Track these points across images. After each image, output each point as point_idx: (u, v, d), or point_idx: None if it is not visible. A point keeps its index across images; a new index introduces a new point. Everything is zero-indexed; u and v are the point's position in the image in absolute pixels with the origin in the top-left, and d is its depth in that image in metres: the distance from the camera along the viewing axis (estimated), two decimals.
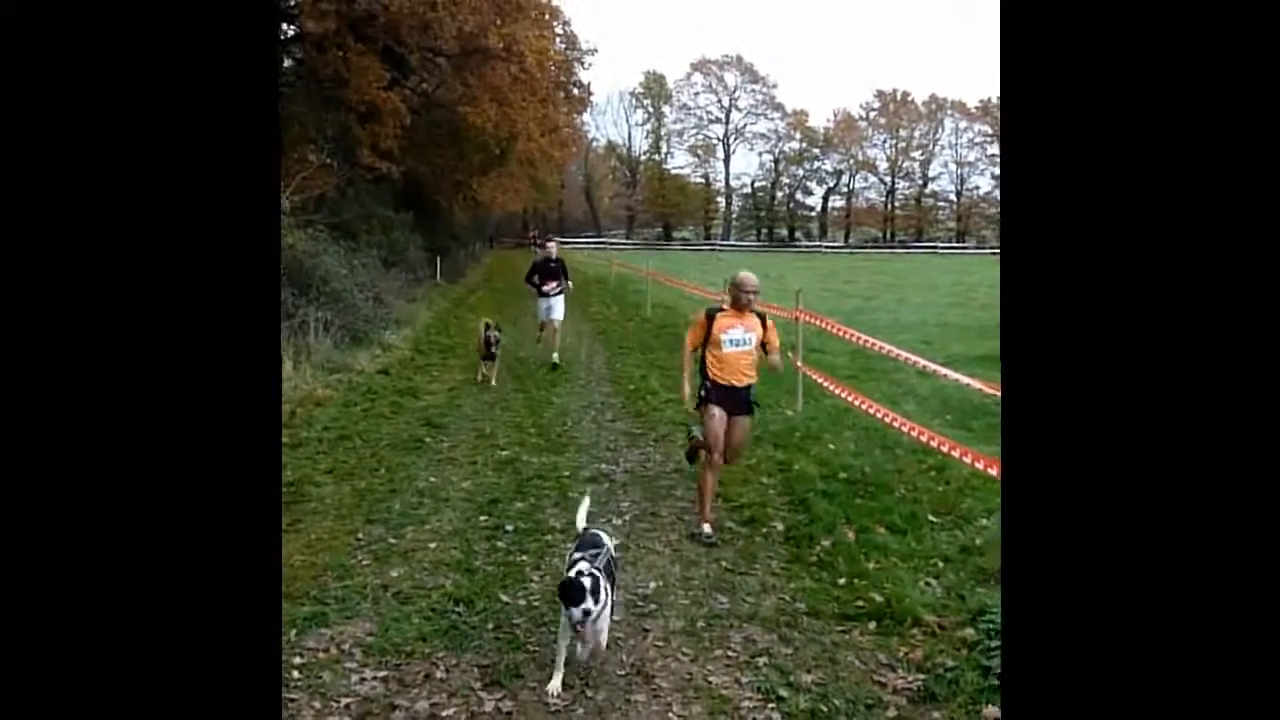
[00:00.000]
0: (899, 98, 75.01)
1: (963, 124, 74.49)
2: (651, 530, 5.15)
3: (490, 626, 3.81)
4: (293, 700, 3.17)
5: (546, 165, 30.51)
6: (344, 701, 3.19)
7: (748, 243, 71.65)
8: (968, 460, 5.00)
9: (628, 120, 75.87)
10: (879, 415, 6.57)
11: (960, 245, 69.52)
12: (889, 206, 76.27)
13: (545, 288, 11.18)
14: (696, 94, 75.06)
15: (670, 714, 3.18)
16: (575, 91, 28.19)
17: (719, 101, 75.14)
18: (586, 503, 4.20)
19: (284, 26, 17.68)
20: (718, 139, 75.76)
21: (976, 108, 72.56)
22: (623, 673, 3.47)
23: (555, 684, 3.28)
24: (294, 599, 3.98)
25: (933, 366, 6.82)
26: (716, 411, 5.14)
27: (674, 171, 75.77)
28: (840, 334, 8.36)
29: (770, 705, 3.22)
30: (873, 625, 3.85)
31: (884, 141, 75.41)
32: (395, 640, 3.64)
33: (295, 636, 3.64)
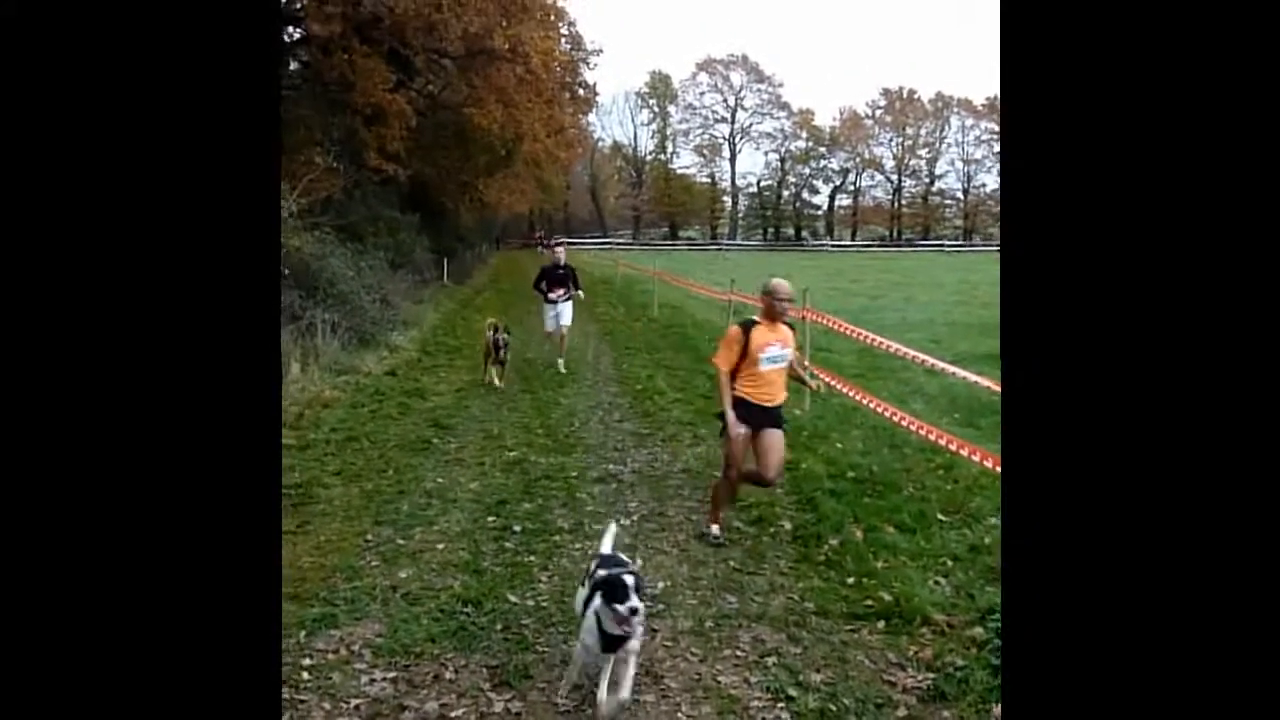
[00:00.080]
0: (905, 96, 74.76)
1: (969, 121, 74.23)
2: (659, 530, 5.15)
3: (499, 627, 3.81)
4: (302, 701, 3.18)
5: (552, 166, 30.53)
6: (353, 702, 3.19)
7: (754, 242, 71.55)
8: (976, 458, 4.99)
9: (633, 120, 76.10)
10: (887, 414, 6.56)
11: (967, 243, 69.27)
12: (895, 205, 76.06)
13: (552, 294, 10.77)
14: (702, 93, 75.20)
15: (679, 714, 3.18)
16: (581, 92, 28.30)
17: (724, 101, 75.22)
18: (613, 529, 3.77)
19: (289, 29, 17.76)
20: (723, 138, 75.84)
21: (983, 105, 72.18)
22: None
23: (564, 691, 3.25)
24: (303, 600, 3.99)
25: (940, 364, 6.81)
26: (743, 430, 4.80)
27: (680, 171, 75.86)
28: (848, 333, 8.34)
29: (779, 705, 3.21)
30: (882, 624, 3.84)
31: (890, 140, 75.22)
32: (404, 641, 3.65)
33: (305, 638, 3.65)
